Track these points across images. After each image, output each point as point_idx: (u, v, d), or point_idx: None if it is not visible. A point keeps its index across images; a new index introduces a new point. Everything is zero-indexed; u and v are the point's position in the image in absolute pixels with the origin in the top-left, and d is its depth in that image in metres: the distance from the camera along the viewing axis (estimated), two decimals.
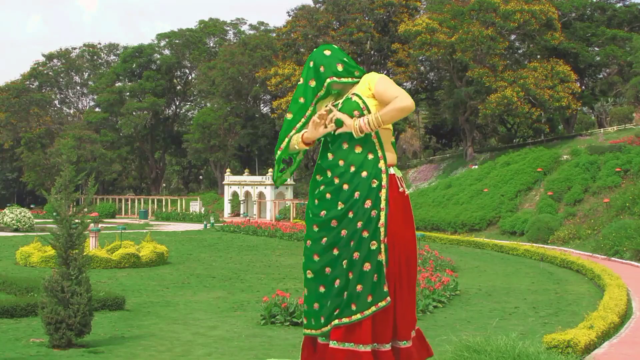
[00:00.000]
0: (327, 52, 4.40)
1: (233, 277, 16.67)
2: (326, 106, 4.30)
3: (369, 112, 4.24)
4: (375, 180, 4.20)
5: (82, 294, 8.21)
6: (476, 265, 19.74)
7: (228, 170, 52.57)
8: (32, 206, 57.61)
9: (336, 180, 4.24)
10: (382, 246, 4.18)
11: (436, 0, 44.48)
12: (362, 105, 4.26)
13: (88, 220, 8.94)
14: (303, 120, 4.36)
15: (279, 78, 48.15)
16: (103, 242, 20.73)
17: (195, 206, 51.65)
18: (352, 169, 4.20)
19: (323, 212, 4.26)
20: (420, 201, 36.29)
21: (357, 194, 4.18)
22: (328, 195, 4.26)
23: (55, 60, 64.01)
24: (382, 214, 4.18)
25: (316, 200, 4.35)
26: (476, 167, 39.61)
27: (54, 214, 8.46)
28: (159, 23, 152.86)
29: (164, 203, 54.15)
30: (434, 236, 29.19)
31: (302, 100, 4.37)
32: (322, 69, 4.33)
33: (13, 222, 33.51)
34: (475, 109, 41.88)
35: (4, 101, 57.61)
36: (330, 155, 4.31)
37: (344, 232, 4.20)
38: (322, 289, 4.28)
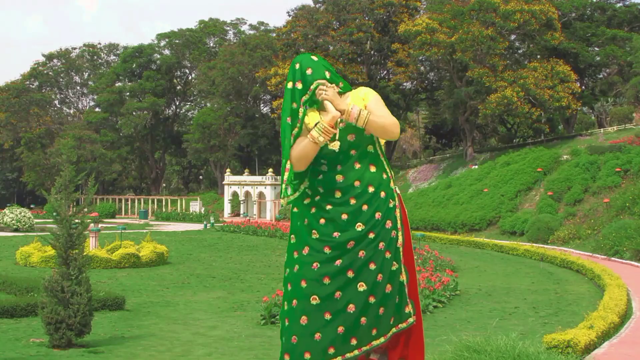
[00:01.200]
0: (314, 58, 4.12)
1: (233, 277, 16.67)
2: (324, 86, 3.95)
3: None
4: (392, 201, 4.06)
5: (82, 294, 8.21)
6: (476, 265, 19.74)
7: (228, 170, 52.58)
8: (32, 206, 57.62)
9: (352, 201, 3.98)
10: (403, 267, 4.07)
11: (436, 0, 44.48)
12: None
13: (88, 220, 8.94)
14: (298, 125, 3.98)
15: (279, 78, 48.14)
16: (103, 242, 20.74)
17: (195, 206, 51.66)
18: (371, 189, 3.99)
19: (337, 234, 3.97)
20: (420, 201, 36.28)
21: (378, 215, 3.99)
22: (344, 216, 3.97)
23: (55, 60, 64.04)
24: (400, 234, 4.07)
25: (323, 220, 4.01)
26: (476, 167, 39.60)
27: (54, 214, 8.47)
28: (159, 23, 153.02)
29: (164, 203, 54.15)
30: (434, 236, 29.18)
31: (294, 105, 4.02)
32: (308, 71, 4.03)
33: (13, 222, 33.51)
34: (475, 109, 41.88)
35: (4, 101, 57.63)
36: (340, 177, 4.00)
37: (362, 254, 3.95)
38: (327, 316, 3.93)
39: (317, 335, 3.91)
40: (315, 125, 3.88)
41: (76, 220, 8.48)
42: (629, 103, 41.21)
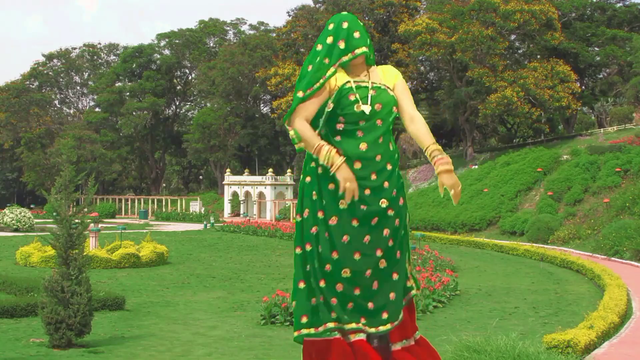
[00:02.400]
0: (361, 23, 4.05)
1: (233, 277, 16.66)
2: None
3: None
4: (401, 178, 4.18)
5: (82, 294, 8.21)
6: (476, 265, 19.74)
7: (228, 170, 52.58)
8: (32, 206, 57.61)
9: (374, 177, 3.95)
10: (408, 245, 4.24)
11: (436, 0, 44.48)
12: (396, 103, 4.06)
13: (88, 220, 8.94)
14: (322, 81, 3.88)
15: (279, 78, 48.16)
16: (103, 242, 20.73)
17: (195, 206, 51.66)
18: (389, 166, 4.05)
19: (364, 206, 3.92)
20: (420, 201, 36.29)
21: (394, 192, 4.04)
22: (367, 192, 3.92)
23: (55, 60, 64.04)
24: (406, 212, 4.19)
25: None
26: (476, 167, 39.61)
27: (54, 214, 8.47)
28: (159, 23, 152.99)
29: (164, 203, 54.15)
30: (434, 236, 29.18)
31: (326, 60, 3.89)
32: (356, 34, 3.94)
33: (13, 222, 33.51)
34: (475, 109, 41.89)
35: (4, 101, 57.62)
36: (363, 145, 3.94)
37: (386, 232, 3.97)
38: (357, 292, 3.94)
39: (350, 304, 3.96)
40: (328, 152, 3.81)
41: (76, 220, 8.48)
42: (629, 103, 41.21)
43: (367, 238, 3.93)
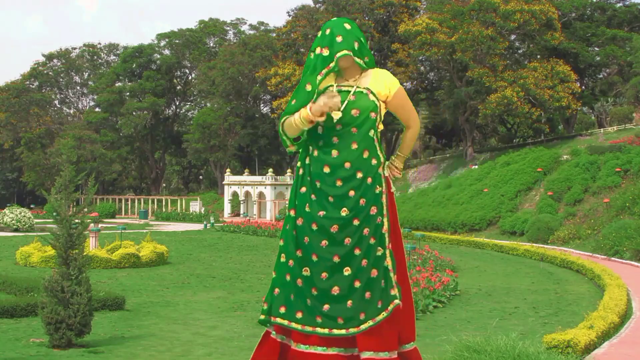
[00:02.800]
0: (347, 26, 4.05)
1: (233, 277, 16.67)
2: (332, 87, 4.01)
3: (380, 117, 4.09)
4: (379, 187, 4.08)
5: (82, 294, 8.20)
6: (476, 265, 19.74)
7: (228, 170, 52.58)
8: (32, 206, 57.62)
9: (339, 184, 4.01)
10: (387, 252, 4.10)
11: (436, 0, 44.48)
12: (378, 108, 4.07)
13: (88, 220, 8.94)
14: (315, 95, 4.02)
15: (279, 78, 48.16)
16: (103, 242, 20.73)
17: (195, 206, 51.66)
18: (359, 175, 4.01)
19: (322, 212, 4.03)
20: (420, 201, 36.28)
21: (362, 201, 4.02)
22: (330, 199, 4.03)
23: (55, 60, 64.03)
24: (385, 220, 4.09)
25: (313, 196, 4.10)
26: (476, 167, 39.60)
27: (54, 214, 8.46)
28: (159, 23, 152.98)
29: (164, 203, 54.15)
30: (434, 236, 29.18)
31: (314, 75, 4.01)
32: (338, 38, 3.97)
33: (13, 222, 33.51)
34: (475, 109, 41.89)
35: (4, 101, 57.62)
36: (334, 152, 4.03)
37: (347, 241, 4.01)
38: (314, 292, 4.06)
39: (308, 301, 4.09)
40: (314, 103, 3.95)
41: (76, 220, 8.47)
42: (629, 103, 41.20)
43: (324, 242, 4.04)
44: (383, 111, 4.15)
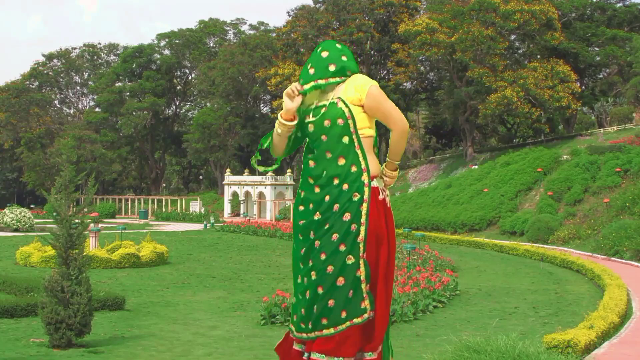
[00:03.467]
0: (338, 45, 4.27)
1: (233, 277, 16.66)
2: (299, 82, 4.19)
3: (354, 121, 4.07)
4: (357, 194, 4.02)
5: (82, 294, 8.20)
6: (476, 265, 19.74)
7: (228, 170, 52.58)
8: (32, 206, 57.63)
9: (317, 190, 4.10)
10: (362, 262, 3.99)
11: (436, 0, 44.49)
12: (347, 113, 4.07)
13: (88, 220, 8.94)
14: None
15: (279, 78, 48.15)
16: (103, 242, 20.73)
17: (195, 206, 51.65)
18: (336, 181, 4.03)
19: (302, 222, 4.16)
20: (420, 201, 36.28)
21: (336, 207, 4.01)
22: (310, 205, 4.12)
23: (55, 60, 64.03)
24: (362, 228, 3.99)
25: (300, 207, 4.23)
26: (476, 167, 39.60)
27: (54, 214, 8.46)
28: (159, 23, 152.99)
29: (164, 203, 54.15)
30: (434, 236, 29.18)
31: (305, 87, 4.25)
32: (324, 54, 4.21)
33: (13, 222, 33.50)
34: (475, 109, 41.89)
35: (4, 101, 57.63)
36: (311, 163, 4.16)
37: (317, 244, 4.05)
38: (299, 297, 4.20)
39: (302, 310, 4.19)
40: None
41: (76, 220, 8.47)
42: (629, 103, 41.21)
43: (302, 250, 4.14)
44: (360, 116, 4.10)
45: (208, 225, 39.15)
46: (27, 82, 62.07)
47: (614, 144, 31.20)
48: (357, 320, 4.00)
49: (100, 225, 22.80)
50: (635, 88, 38.77)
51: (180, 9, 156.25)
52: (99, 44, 66.29)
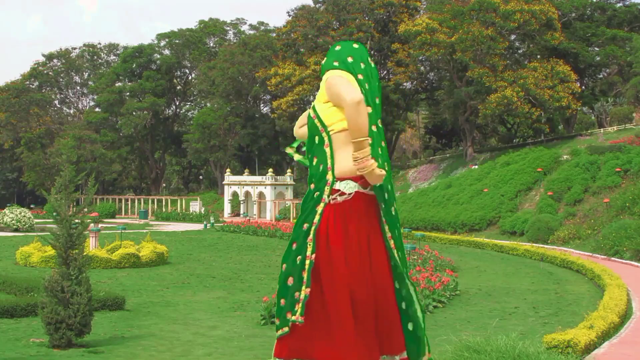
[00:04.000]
0: (355, 45, 4.22)
1: (233, 277, 16.67)
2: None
3: (320, 119, 3.95)
4: (317, 193, 3.92)
5: (82, 294, 8.21)
6: (476, 265, 19.74)
7: (228, 170, 52.57)
8: (32, 206, 57.61)
9: (312, 187, 4.13)
10: (307, 262, 3.82)
11: (436, 0, 44.48)
12: (312, 113, 4.02)
13: (88, 220, 8.94)
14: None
15: (279, 78, 48.16)
16: (103, 242, 20.73)
17: (195, 206, 51.65)
18: (312, 186, 3.99)
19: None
20: (420, 201, 36.29)
21: (307, 218, 3.97)
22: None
23: (55, 60, 64.01)
24: (313, 228, 3.85)
25: None
26: (476, 167, 39.60)
27: (54, 214, 8.46)
28: (159, 23, 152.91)
29: (164, 203, 54.14)
30: (434, 236, 29.18)
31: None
32: (349, 59, 4.09)
33: (13, 222, 33.50)
34: (475, 109, 41.88)
35: (4, 101, 57.61)
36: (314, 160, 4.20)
37: (294, 244, 3.97)
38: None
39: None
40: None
41: (76, 220, 8.48)
42: (629, 103, 41.20)
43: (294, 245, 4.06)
44: (328, 111, 3.94)
45: (208, 225, 39.15)
46: (27, 82, 62.05)
47: (614, 144, 31.20)
48: (284, 331, 4.17)
49: (100, 225, 22.80)
50: (635, 88, 38.76)
51: (180, 9, 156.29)
52: (99, 44, 66.32)
